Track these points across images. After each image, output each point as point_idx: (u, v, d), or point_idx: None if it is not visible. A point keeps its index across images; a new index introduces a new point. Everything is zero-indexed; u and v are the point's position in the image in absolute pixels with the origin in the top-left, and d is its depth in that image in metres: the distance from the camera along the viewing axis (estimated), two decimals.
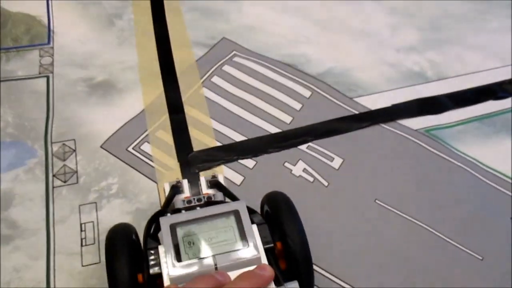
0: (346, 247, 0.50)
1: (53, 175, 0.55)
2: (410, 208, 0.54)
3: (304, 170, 0.57)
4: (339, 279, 0.48)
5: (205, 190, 0.45)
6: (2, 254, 0.49)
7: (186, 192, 0.45)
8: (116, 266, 0.36)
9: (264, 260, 0.36)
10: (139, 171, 0.56)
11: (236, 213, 0.38)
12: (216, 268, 0.35)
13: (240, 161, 0.56)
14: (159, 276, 0.35)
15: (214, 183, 0.46)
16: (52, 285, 0.47)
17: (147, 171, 0.56)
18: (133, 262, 0.37)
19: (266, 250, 0.37)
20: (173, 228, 0.37)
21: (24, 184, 0.54)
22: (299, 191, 0.55)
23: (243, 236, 0.36)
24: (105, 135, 0.59)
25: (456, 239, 0.51)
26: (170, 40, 0.69)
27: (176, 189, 0.46)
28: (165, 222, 0.38)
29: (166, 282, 0.35)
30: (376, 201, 0.54)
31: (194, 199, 0.43)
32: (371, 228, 0.52)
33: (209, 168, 0.55)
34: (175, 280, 0.34)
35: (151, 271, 0.36)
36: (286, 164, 0.56)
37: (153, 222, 0.40)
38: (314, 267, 0.48)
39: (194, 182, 0.45)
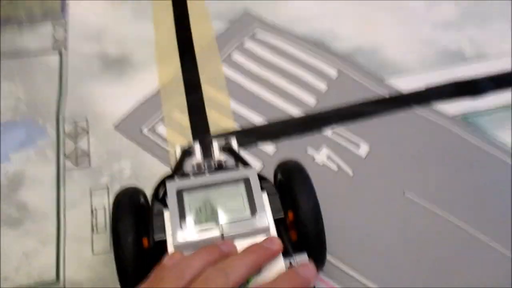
0: (369, 242, 0.47)
1: (65, 156, 0.53)
2: (442, 203, 0.50)
3: (328, 157, 0.53)
4: (361, 275, 0.45)
5: (217, 155, 0.44)
6: (12, 238, 0.47)
7: (198, 156, 0.43)
8: (120, 229, 0.35)
9: (273, 231, 0.35)
10: (153, 154, 0.53)
11: (246, 181, 0.36)
12: (222, 237, 0.33)
13: (259, 146, 0.52)
14: (164, 242, 0.34)
15: (226, 148, 0.44)
16: (61, 273, 0.45)
17: (161, 154, 0.53)
18: (139, 226, 0.36)
19: (276, 221, 0.36)
20: (180, 193, 0.36)
21: (35, 166, 0.52)
22: (322, 181, 0.50)
23: (252, 205, 0.35)
24: (119, 115, 0.56)
25: (495, 239, 0.47)
26: (189, 15, 0.65)
27: (187, 153, 0.44)
28: (172, 186, 0.36)
29: (170, 249, 0.34)
30: (405, 193, 0.50)
31: (204, 164, 0.42)
32: (398, 222, 0.48)
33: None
34: (179, 248, 0.33)
35: (156, 237, 0.35)
36: (309, 151, 0.53)
37: (161, 186, 0.39)
38: (334, 260, 0.45)
39: (206, 147, 0.44)
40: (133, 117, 0.56)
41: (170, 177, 0.40)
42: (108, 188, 0.50)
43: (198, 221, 0.34)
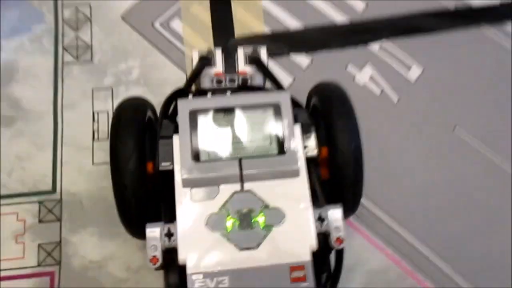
0: (408, 182, 0.41)
1: (64, 48, 0.45)
2: (497, 146, 0.42)
3: (371, 78, 0.45)
4: (392, 218, 0.39)
5: (242, 66, 0.36)
6: (3, 138, 0.42)
7: (219, 67, 0.36)
8: (120, 150, 0.29)
9: (304, 175, 0.29)
10: (165, 55, 0.45)
11: (276, 108, 0.30)
12: (241, 176, 0.28)
13: (291, 56, 0.44)
14: (171, 172, 0.29)
15: (253, 59, 0.36)
16: (58, 182, 0.40)
17: (176, 56, 0.45)
18: (144, 147, 0.30)
19: (308, 159, 0.29)
20: (193, 115, 0.29)
21: (29, 55, 0.45)
22: (361, 105, 0.42)
23: (281, 140, 0.29)
24: (128, 3, 0.47)
25: None
26: None
27: (206, 61, 0.36)
28: (185, 106, 0.30)
29: (178, 183, 0.28)
30: (456, 128, 0.43)
31: (226, 78, 0.35)
32: (443, 161, 0.42)
33: None
34: (188, 183, 0.28)
35: (161, 165, 0.29)
36: (349, 68, 0.44)
37: (172, 101, 0.33)
38: (365, 201, 0.39)
39: (230, 55, 0.36)
40: (145, 5, 0.47)
41: (183, 91, 0.32)
42: (112, 91, 0.44)
43: (212, 152, 0.29)
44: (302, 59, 0.46)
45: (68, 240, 0.37)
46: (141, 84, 0.44)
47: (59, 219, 0.38)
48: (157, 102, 0.42)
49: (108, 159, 0.40)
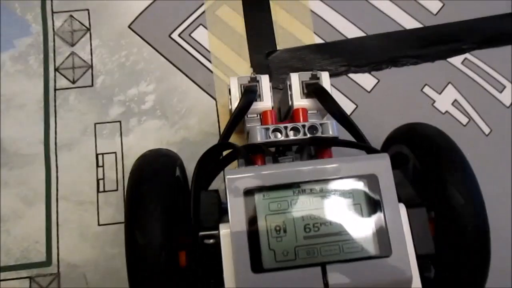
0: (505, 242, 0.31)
1: (56, 69, 0.35)
2: None
3: (455, 102, 0.35)
4: None
5: (298, 101, 0.28)
6: None
7: (266, 101, 0.27)
8: (142, 236, 0.21)
9: (417, 283, 0.21)
10: (187, 75, 0.35)
11: (371, 182, 0.21)
12: None
13: (350, 75, 0.34)
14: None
15: (316, 90, 0.27)
16: (54, 250, 0.32)
17: (201, 76, 0.35)
18: (172, 230, 0.21)
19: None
20: (249, 196, 0.20)
21: (12, 80, 0.35)
22: None
23: (382, 230, 0.20)
24: (138, 6, 0.36)
25: None
26: None
27: (251, 95, 0.27)
28: (235, 181, 0.20)
29: None
30: None
31: (285, 127, 0.25)
32: None
33: None
34: None
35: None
36: (427, 90, 0.34)
37: (209, 161, 0.25)
38: None
39: (277, 82, 0.30)
40: (158, 11, 0.36)
41: (223, 146, 0.22)
42: (120, 125, 0.34)
43: (281, 254, 0.20)
44: (365, 79, 0.35)
45: None
46: (158, 116, 0.34)
47: None
48: (179, 137, 0.33)
49: (117, 217, 0.31)
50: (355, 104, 0.34)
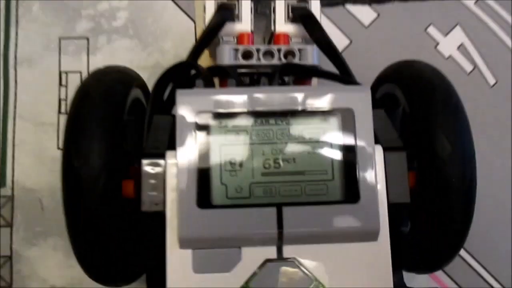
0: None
1: None
2: None
3: (461, 47, 0.31)
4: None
5: (282, 25, 0.24)
6: None
7: (245, 22, 0.24)
8: (82, 155, 0.18)
9: (385, 238, 0.18)
10: None
11: (346, 117, 0.18)
12: (280, 236, 0.17)
13: (348, 6, 0.30)
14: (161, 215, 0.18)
15: (302, 15, 0.24)
16: (8, 173, 0.30)
17: None
18: (121, 155, 0.19)
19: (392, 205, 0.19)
20: (203, 121, 0.18)
21: None
22: None
23: (351, 173, 0.18)
24: None
25: None
26: None
27: (227, 13, 0.24)
28: (188, 104, 0.18)
29: (173, 242, 0.17)
30: None
31: (258, 50, 0.22)
32: None
33: None
34: (189, 243, 0.18)
35: (144, 205, 0.18)
36: (431, 30, 0.31)
37: (169, 82, 0.22)
38: None
39: (262, 4, 0.25)
40: None
41: (186, 66, 0.20)
42: (88, 42, 0.31)
43: (233, 190, 0.18)
44: (364, 12, 0.32)
45: (22, 254, 0.28)
46: (130, 35, 0.31)
47: (10, 225, 0.29)
48: (152, 60, 0.30)
49: None
50: (349, 39, 0.31)
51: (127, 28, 0.31)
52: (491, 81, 0.31)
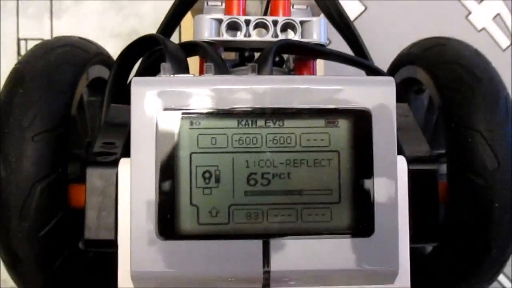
0: None
1: None
2: None
3: (497, 17, 0.26)
4: None
5: None
6: None
7: None
8: (8, 147, 0.15)
9: (405, 280, 0.14)
10: None
11: (361, 116, 0.13)
12: (266, 282, 0.13)
13: None
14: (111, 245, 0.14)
15: None
16: None
17: None
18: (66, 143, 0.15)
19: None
20: (167, 122, 0.13)
21: None
22: None
23: (364, 196, 0.13)
24: None
25: None
26: None
27: None
28: (144, 94, 0.13)
29: (125, 283, 0.13)
30: None
31: (247, 22, 0.18)
32: None
33: None
34: (144, 282, 0.13)
35: (88, 231, 0.14)
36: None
37: (133, 62, 0.18)
38: None
39: None
40: None
41: (153, 41, 0.15)
42: (51, 2, 0.26)
43: (205, 215, 0.13)
44: None
45: None
46: None
47: None
48: (127, 26, 0.26)
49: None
50: (364, 5, 0.26)
51: None
52: None
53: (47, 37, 0.26)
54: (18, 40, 0.26)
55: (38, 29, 0.26)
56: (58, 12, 0.26)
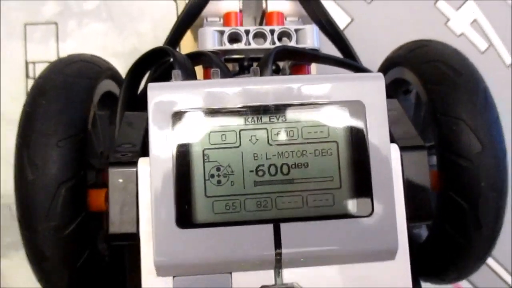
0: None
1: None
2: None
3: (474, 23, 0.28)
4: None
5: (275, 3, 0.22)
6: None
7: (232, 1, 0.22)
8: (34, 152, 0.16)
9: (404, 256, 0.15)
10: None
11: (355, 108, 0.15)
12: (278, 258, 0.14)
13: None
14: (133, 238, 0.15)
15: None
16: None
17: None
18: (84, 151, 0.17)
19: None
20: (181, 122, 0.15)
21: None
22: None
23: (362, 180, 0.15)
24: None
25: None
26: None
27: None
28: (160, 98, 0.15)
29: (148, 268, 0.14)
30: None
31: (247, 32, 0.20)
32: None
33: None
34: (167, 271, 0.15)
35: (112, 226, 0.15)
36: (440, 4, 0.28)
37: (143, 73, 0.19)
38: None
39: None
40: None
41: (162, 53, 0.16)
42: (57, 27, 0.27)
43: (219, 205, 0.14)
44: None
45: None
46: (103, 18, 0.28)
47: None
48: (128, 45, 0.27)
49: None
50: (350, 17, 0.28)
51: (100, 10, 0.28)
52: (508, 60, 0.28)
53: (54, 59, 0.27)
54: (27, 63, 0.27)
55: (45, 52, 0.27)
56: (63, 35, 0.28)
